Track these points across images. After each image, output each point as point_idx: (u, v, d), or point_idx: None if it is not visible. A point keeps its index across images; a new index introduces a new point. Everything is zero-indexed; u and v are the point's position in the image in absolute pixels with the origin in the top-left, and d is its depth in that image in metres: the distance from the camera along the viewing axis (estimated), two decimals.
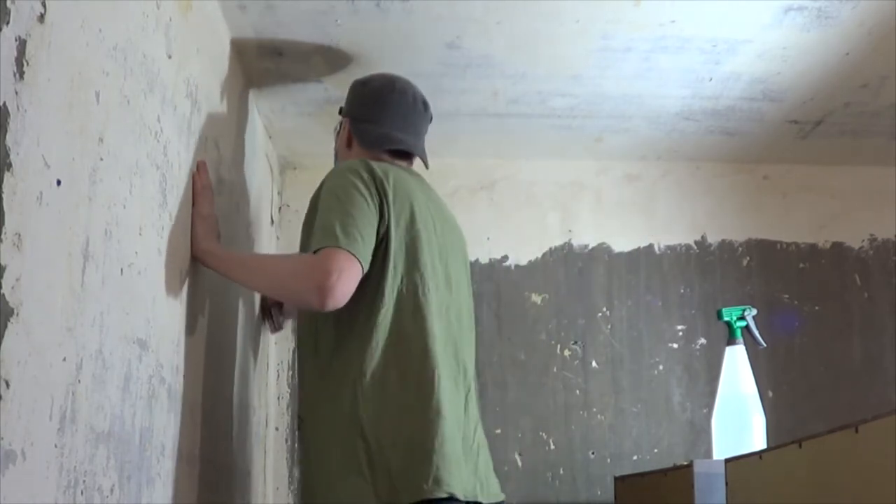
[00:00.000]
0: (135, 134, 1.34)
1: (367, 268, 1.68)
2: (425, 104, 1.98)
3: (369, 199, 1.73)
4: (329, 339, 1.76)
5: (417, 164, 1.99)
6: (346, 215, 1.69)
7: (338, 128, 2.05)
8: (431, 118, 2.01)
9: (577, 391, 2.90)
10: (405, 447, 1.66)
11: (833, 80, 2.40)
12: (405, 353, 1.72)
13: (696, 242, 3.02)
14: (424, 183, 1.92)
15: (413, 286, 1.75)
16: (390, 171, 1.80)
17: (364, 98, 1.97)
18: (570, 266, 2.98)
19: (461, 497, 1.65)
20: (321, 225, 1.69)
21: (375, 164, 1.79)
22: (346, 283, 1.62)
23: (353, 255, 1.64)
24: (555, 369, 2.91)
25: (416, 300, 1.74)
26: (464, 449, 1.72)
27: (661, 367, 2.93)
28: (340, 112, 2.03)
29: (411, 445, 1.65)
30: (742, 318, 2.35)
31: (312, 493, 1.75)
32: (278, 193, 2.89)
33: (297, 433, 1.81)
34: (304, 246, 1.78)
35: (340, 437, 1.69)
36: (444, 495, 1.62)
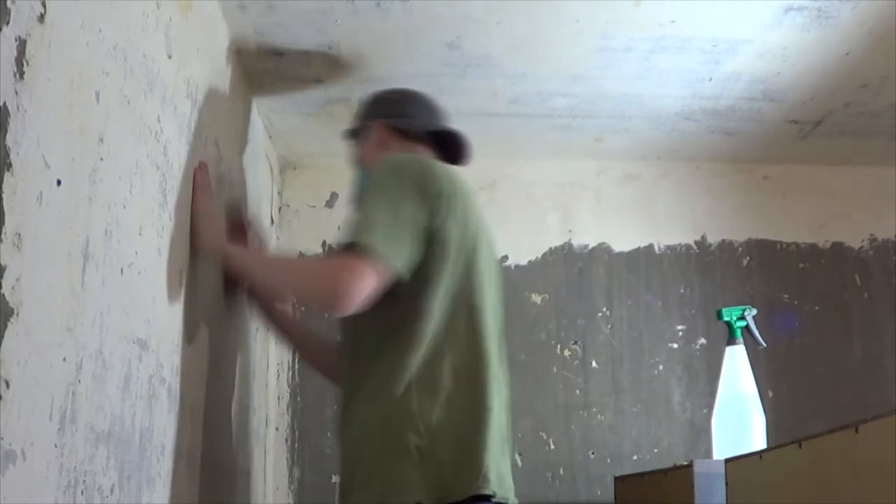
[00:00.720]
0: (135, 134, 1.34)
1: (402, 269, 1.62)
2: (444, 111, 2.00)
3: (422, 196, 1.67)
4: (381, 333, 1.71)
5: None
6: (392, 212, 1.64)
7: (357, 136, 1.98)
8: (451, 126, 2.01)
9: (577, 391, 2.90)
10: (457, 443, 1.64)
11: (833, 80, 2.40)
12: (460, 352, 1.70)
13: (696, 242, 3.02)
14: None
15: (472, 286, 1.72)
16: (448, 168, 1.77)
17: (392, 100, 1.97)
18: (570, 266, 2.98)
19: (501, 496, 1.66)
20: (363, 219, 1.64)
21: (433, 160, 1.78)
22: (362, 289, 1.58)
23: (382, 258, 1.59)
24: (555, 369, 2.91)
25: (473, 300, 1.72)
26: (502, 449, 1.73)
27: (661, 367, 2.93)
28: (353, 132, 1.99)
29: (464, 442, 1.65)
30: (742, 318, 2.35)
31: (352, 483, 1.70)
32: (278, 193, 2.89)
33: (340, 423, 1.77)
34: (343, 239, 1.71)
35: (393, 428, 1.65)
36: (490, 493, 1.63)
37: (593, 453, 2.87)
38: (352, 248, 1.60)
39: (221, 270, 1.86)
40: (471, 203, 1.76)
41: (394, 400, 1.66)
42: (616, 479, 2.62)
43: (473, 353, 1.70)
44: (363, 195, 1.75)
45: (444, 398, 1.67)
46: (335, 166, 2.41)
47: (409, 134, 1.90)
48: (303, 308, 2.72)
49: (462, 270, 1.71)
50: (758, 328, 2.37)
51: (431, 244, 1.67)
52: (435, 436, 1.64)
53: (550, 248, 2.98)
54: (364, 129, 1.96)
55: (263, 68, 2.27)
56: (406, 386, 1.66)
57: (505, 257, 2.95)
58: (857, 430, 1.32)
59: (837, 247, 3.05)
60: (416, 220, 1.66)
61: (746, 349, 2.32)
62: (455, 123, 2.20)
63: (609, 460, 2.86)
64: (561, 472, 2.85)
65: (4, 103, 0.89)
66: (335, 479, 2.76)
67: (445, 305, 1.69)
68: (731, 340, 2.33)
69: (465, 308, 1.71)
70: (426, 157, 1.82)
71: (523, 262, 2.96)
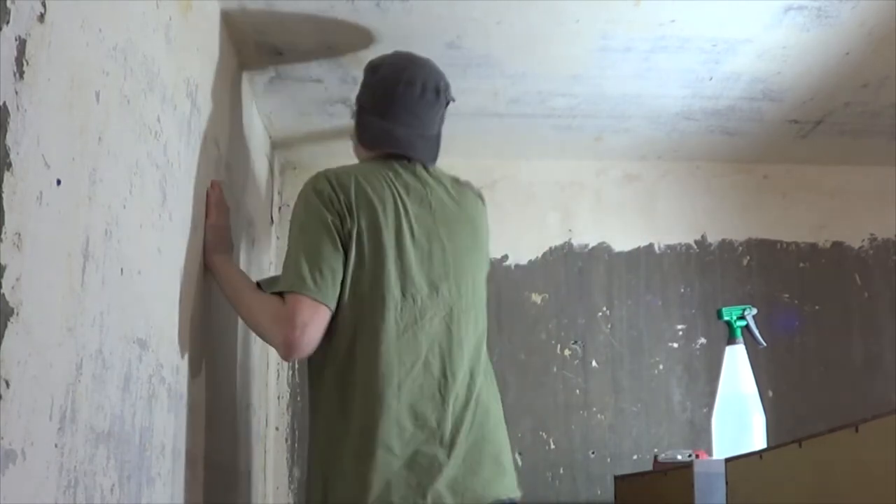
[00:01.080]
0: (135, 134, 1.34)
1: (333, 305, 1.71)
2: (438, 90, 1.90)
3: (334, 226, 1.74)
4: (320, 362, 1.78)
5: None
6: (312, 250, 1.72)
7: (350, 113, 2.02)
8: (449, 100, 1.95)
9: (577, 391, 2.90)
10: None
11: (833, 80, 2.40)
12: (354, 381, 1.72)
13: (696, 242, 3.02)
14: (422, 178, 1.86)
15: (372, 306, 1.74)
16: (353, 182, 1.78)
17: (372, 87, 1.93)
18: (570, 266, 2.98)
19: None
20: (289, 262, 1.74)
21: (337, 176, 1.79)
22: (311, 334, 1.69)
23: (318, 300, 1.68)
24: (555, 369, 2.91)
25: (374, 322, 1.73)
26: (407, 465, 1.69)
27: (661, 367, 2.93)
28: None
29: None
30: (742, 317, 2.35)
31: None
32: (278, 193, 2.89)
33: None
34: (282, 272, 1.77)
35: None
36: None
37: (593, 453, 2.87)
38: (292, 293, 1.69)
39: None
40: (386, 213, 1.77)
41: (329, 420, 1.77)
42: (616, 478, 2.62)
43: (366, 381, 1.72)
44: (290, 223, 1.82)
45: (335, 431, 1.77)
46: (335, 166, 2.40)
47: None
48: None
49: (366, 289, 1.75)
50: (758, 328, 2.37)
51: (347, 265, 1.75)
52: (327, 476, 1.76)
53: (550, 248, 2.98)
54: (355, 108, 1.98)
55: (263, 68, 2.27)
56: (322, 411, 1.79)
57: (505, 257, 2.95)
58: (857, 430, 1.32)
59: (837, 246, 3.05)
60: (332, 250, 1.73)
61: (746, 349, 2.32)
62: (455, 123, 2.21)
63: (609, 460, 2.86)
64: (561, 471, 2.85)
65: (4, 103, 0.89)
66: None
67: (350, 333, 1.74)
68: (731, 340, 2.33)
69: (368, 331, 1.74)
70: (341, 170, 1.82)
71: (523, 261, 2.96)
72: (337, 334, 1.73)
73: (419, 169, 1.87)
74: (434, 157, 1.92)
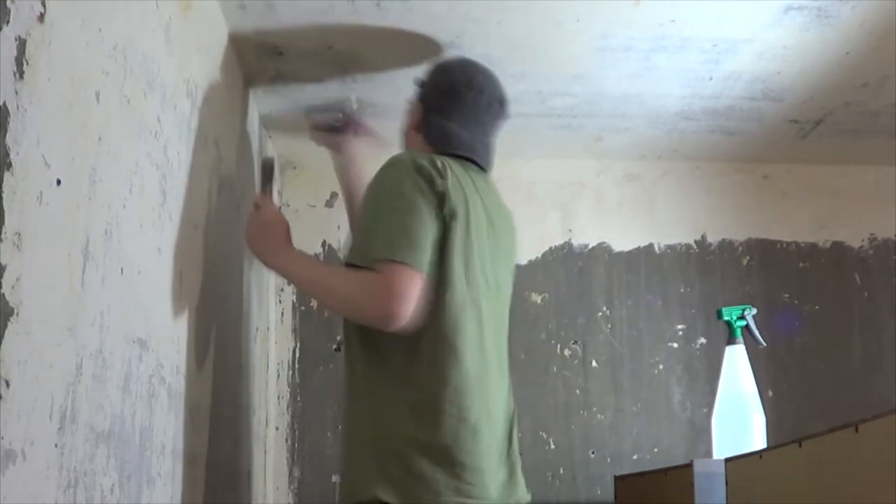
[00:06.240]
0: (135, 133, 1.34)
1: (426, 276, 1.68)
2: (502, 103, 1.95)
3: (428, 201, 1.70)
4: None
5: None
6: (407, 220, 1.68)
7: (411, 106, 2.00)
8: (509, 115, 1.99)
9: (577, 391, 2.90)
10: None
11: (833, 80, 2.40)
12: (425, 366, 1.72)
13: (696, 242, 3.02)
14: (483, 181, 1.89)
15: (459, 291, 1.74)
16: (450, 168, 1.77)
17: (440, 88, 1.93)
18: (570, 266, 2.98)
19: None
20: (382, 232, 1.68)
21: (437, 159, 1.77)
22: (412, 304, 1.64)
23: (416, 269, 1.65)
24: (555, 369, 2.91)
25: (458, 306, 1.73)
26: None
27: (661, 367, 2.93)
28: (419, 86, 1.99)
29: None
30: (742, 317, 2.35)
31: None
32: (278, 193, 2.89)
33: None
34: (362, 245, 1.73)
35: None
36: None
37: (593, 453, 2.87)
38: (389, 261, 1.65)
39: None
40: (473, 206, 1.78)
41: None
42: (616, 478, 2.62)
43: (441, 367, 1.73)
44: (369, 198, 1.77)
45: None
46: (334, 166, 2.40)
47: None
48: None
49: (452, 275, 1.74)
50: (758, 328, 2.37)
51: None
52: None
53: (550, 248, 2.98)
54: (415, 102, 1.98)
55: (263, 68, 2.27)
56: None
57: None
58: (857, 430, 1.32)
59: (837, 246, 3.05)
60: (427, 224, 1.70)
61: (746, 349, 2.32)
62: None
63: (609, 460, 2.86)
64: (561, 471, 2.85)
65: (4, 103, 0.89)
66: (335, 478, 2.76)
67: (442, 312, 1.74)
68: (731, 340, 2.33)
69: (454, 314, 1.74)
70: (437, 155, 1.81)
71: (523, 261, 2.95)
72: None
73: (486, 175, 1.92)
74: (491, 166, 1.95)
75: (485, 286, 1.79)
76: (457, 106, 1.90)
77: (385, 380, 1.72)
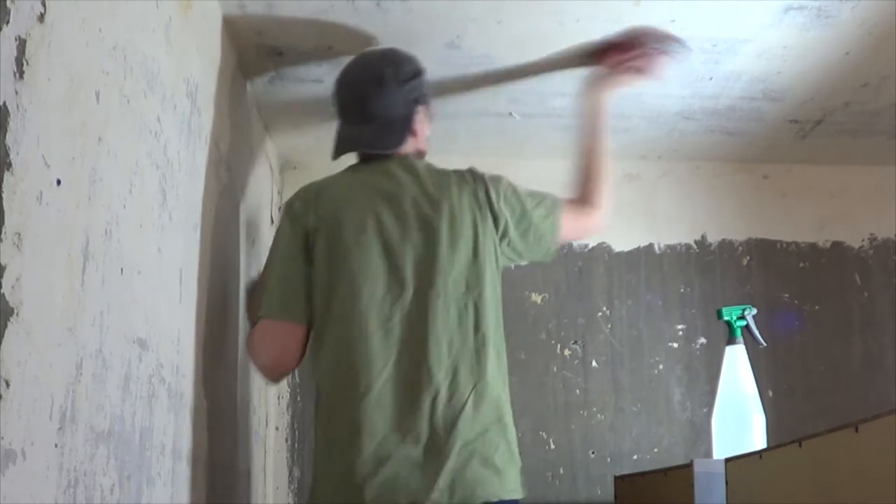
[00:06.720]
0: (135, 134, 1.34)
1: (306, 320, 1.75)
2: (380, 79, 1.87)
3: (295, 242, 1.78)
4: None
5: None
6: (277, 273, 1.78)
7: None
8: (405, 80, 1.90)
9: (577, 391, 2.90)
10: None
11: (833, 80, 2.40)
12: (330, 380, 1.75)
13: (696, 242, 3.02)
14: (392, 178, 1.83)
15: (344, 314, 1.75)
16: (315, 193, 1.83)
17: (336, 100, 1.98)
18: (570, 266, 2.98)
19: None
20: (261, 286, 1.82)
21: (304, 191, 1.85)
22: (285, 358, 1.76)
23: (288, 321, 1.74)
24: (555, 369, 2.91)
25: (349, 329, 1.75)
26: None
27: (661, 367, 2.93)
28: None
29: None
30: (742, 317, 2.35)
31: None
32: (278, 193, 2.89)
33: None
34: None
35: None
36: None
37: (593, 453, 2.87)
38: (262, 318, 1.78)
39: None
40: (352, 213, 1.79)
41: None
42: (616, 478, 2.62)
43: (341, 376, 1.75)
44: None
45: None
46: (335, 166, 2.40)
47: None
48: None
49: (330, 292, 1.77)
50: (758, 327, 2.37)
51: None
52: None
53: None
54: None
55: (263, 68, 2.27)
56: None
57: None
58: (857, 430, 1.32)
59: (837, 246, 3.05)
60: (296, 268, 1.77)
61: (746, 349, 2.32)
62: (455, 123, 2.21)
63: (609, 460, 2.86)
64: (561, 471, 2.85)
65: (4, 103, 0.89)
66: None
67: (327, 334, 1.76)
68: (731, 340, 2.33)
69: (339, 329, 1.75)
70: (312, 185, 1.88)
71: (523, 261, 2.95)
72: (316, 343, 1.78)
73: (392, 167, 1.86)
74: (399, 141, 1.88)
75: (383, 281, 1.74)
76: (339, 108, 1.95)
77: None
